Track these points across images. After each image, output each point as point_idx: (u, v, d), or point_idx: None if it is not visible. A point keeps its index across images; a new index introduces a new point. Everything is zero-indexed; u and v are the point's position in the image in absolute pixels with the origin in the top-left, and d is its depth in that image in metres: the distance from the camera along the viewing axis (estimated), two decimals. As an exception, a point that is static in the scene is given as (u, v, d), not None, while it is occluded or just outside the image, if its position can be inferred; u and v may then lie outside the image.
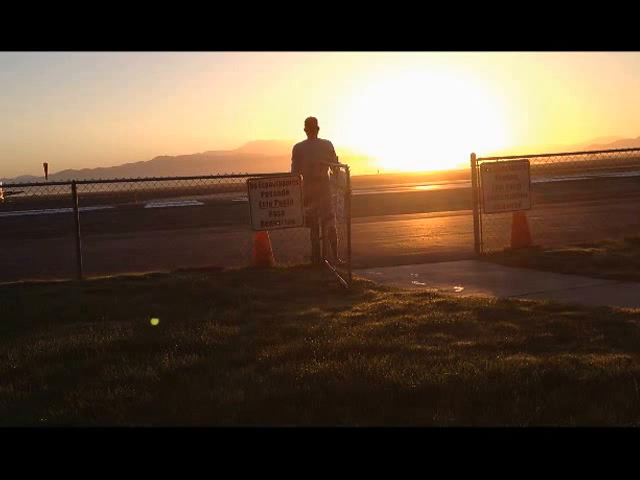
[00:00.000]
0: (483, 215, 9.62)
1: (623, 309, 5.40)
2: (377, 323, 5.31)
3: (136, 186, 10.49)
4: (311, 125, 9.07)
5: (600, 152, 11.43)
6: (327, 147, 8.96)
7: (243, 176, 9.56)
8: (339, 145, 9.07)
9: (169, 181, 10.86)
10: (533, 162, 10.12)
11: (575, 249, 8.90)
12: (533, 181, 9.92)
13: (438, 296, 6.32)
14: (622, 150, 11.11)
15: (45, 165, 74.47)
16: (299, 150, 9.10)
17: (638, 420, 3.11)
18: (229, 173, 9.77)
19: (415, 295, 6.45)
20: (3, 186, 35.68)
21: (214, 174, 9.83)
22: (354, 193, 8.90)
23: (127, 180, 9.91)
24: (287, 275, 8.22)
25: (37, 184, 10.26)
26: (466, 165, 9.93)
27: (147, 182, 10.39)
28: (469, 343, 4.57)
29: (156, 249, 13.14)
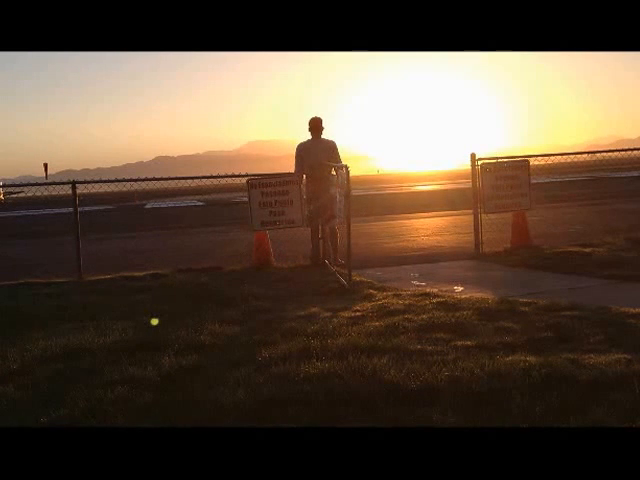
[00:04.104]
0: (483, 215, 9.62)
1: (623, 309, 5.40)
2: (377, 323, 5.31)
3: (136, 186, 10.50)
4: (315, 125, 9.07)
5: (600, 152, 11.44)
6: (329, 147, 8.95)
7: (243, 176, 9.56)
8: (339, 145, 9.06)
9: (169, 181, 10.86)
10: (533, 162, 10.13)
11: (575, 249, 8.89)
12: (533, 181, 9.93)
13: (438, 296, 6.32)
14: (622, 150, 11.11)
15: (45, 165, 74.47)
16: (302, 150, 9.10)
17: (638, 420, 3.11)
18: (229, 173, 9.78)
19: (415, 295, 6.45)
20: (3, 186, 35.72)
21: (214, 174, 9.84)
22: (354, 193, 8.92)
23: (127, 180, 9.91)
24: (287, 275, 8.22)
25: (37, 184, 10.27)
26: (466, 165, 9.94)
27: (147, 182, 10.40)
28: (469, 343, 4.57)
29: (156, 249, 13.14)
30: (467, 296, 6.33)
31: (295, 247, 9.49)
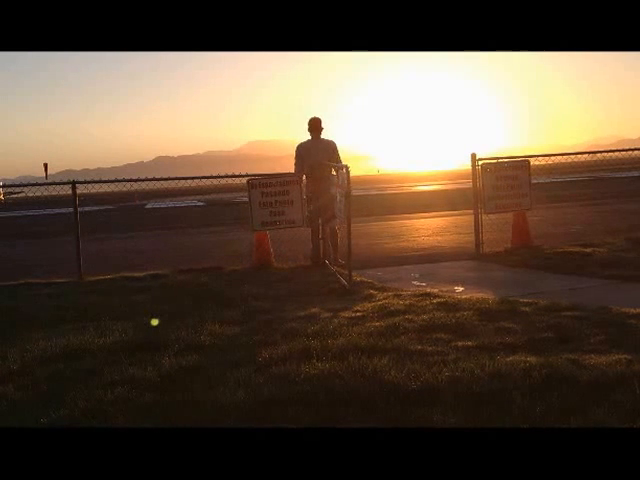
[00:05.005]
0: (483, 215, 9.61)
1: (623, 309, 5.39)
2: (377, 323, 5.30)
3: (136, 186, 10.49)
4: (314, 125, 9.08)
5: (601, 152, 11.43)
6: (329, 147, 8.96)
7: (243, 176, 9.56)
8: (339, 145, 9.07)
9: (169, 181, 10.86)
10: (533, 162, 10.12)
11: (576, 249, 8.89)
12: (534, 181, 9.92)
13: (439, 296, 6.32)
14: (623, 150, 11.10)
15: (45, 165, 74.49)
16: (301, 150, 9.11)
17: (638, 421, 3.11)
18: (229, 173, 9.78)
19: (415, 295, 6.45)
20: (3, 186, 35.76)
21: (214, 174, 9.84)
22: (354, 193, 8.92)
23: (127, 180, 9.91)
24: (287, 275, 8.21)
25: (37, 184, 10.26)
26: (467, 165, 9.93)
27: (147, 182, 10.39)
28: (469, 343, 4.57)
29: (156, 249, 13.14)
30: (467, 296, 6.33)
31: (295, 247, 9.49)
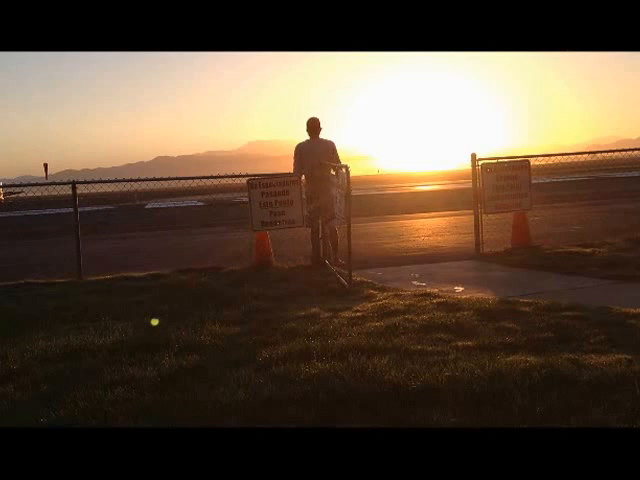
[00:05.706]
0: (483, 215, 9.61)
1: (624, 309, 5.39)
2: (377, 323, 5.30)
3: (136, 186, 10.50)
4: (313, 126, 9.09)
5: (601, 152, 11.42)
6: (328, 147, 8.96)
7: (243, 176, 9.55)
8: (339, 145, 9.07)
9: (169, 181, 10.87)
10: (534, 162, 10.12)
11: (576, 249, 8.89)
12: (534, 181, 9.92)
13: (438, 296, 6.32)
14: (622, 150, 11.10)
15: (45, 165, 74.45)
16: (300, 150, 9.11)
17: (638, 421, 3.10)
18: (229, 173, 9.77)
19: (415, 295, 6.45)
20: (3, 186, 35.78)
21: (214, 174, 9.83)
22: (354, 193, 8.91)
23: (127, 180, 9.91)
24: (287, 275, 8.21)
25: (37, 184, 10.26)
26: (467, 165, 9.93)
27: (147, 182, 10.39)
28: (469, 343, 4.57)
29: (156, 249, 13.14)
30: (467, 296, 6.33)
31: (295, 247, 9.49)
